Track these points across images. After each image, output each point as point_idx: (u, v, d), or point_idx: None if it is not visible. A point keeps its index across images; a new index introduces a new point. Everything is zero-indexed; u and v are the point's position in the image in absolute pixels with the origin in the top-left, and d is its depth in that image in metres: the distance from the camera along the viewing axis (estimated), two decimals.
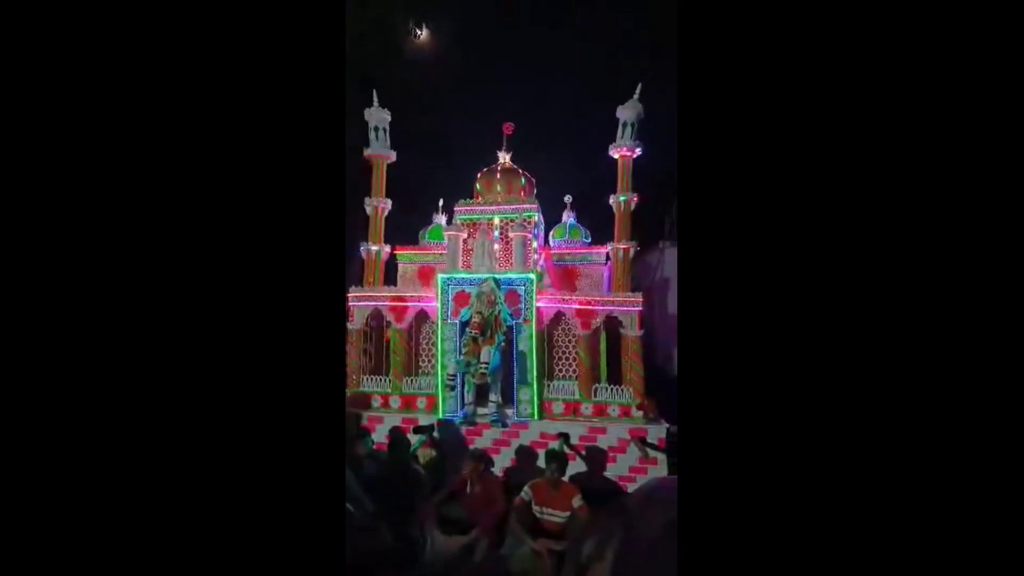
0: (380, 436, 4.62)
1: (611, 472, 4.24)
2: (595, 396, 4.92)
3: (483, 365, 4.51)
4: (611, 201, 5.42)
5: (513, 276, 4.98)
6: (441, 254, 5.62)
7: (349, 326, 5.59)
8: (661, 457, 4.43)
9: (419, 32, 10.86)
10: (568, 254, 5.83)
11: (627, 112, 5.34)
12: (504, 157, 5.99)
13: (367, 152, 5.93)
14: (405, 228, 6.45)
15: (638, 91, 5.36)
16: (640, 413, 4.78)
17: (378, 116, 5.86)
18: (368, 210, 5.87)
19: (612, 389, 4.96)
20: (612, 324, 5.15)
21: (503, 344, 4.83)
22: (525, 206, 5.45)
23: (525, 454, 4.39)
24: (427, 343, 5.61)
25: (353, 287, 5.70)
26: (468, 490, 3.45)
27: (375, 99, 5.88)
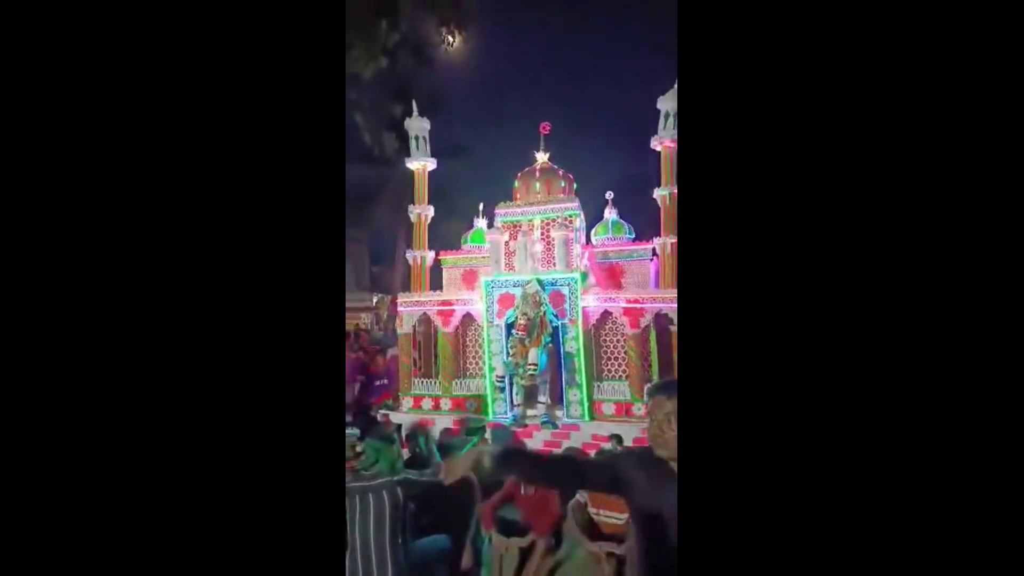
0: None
1: None
2: (647, 396, 4.79)
3: (531, 367, 4.51)
4: (655, 195, 5.27)
5: (557, 276, 4.94)
6: (484, 257, 5.68)
7: (398, 331, 5.75)
8: None
9: (452, 40, 11.06)
10: (612, 251, 5.73)
11: (668, 103, 5.18)
12: (542, 157, 5.97)
13: (408, 161, 6.08)
14: (448, 233, 6.57)
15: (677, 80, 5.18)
16: None
17: (418, 125, 6.00)
18: (412, 218, 6.02)
19: None
20: (662, 321, 5.01)
21: (550, 345, 4.80)
22: (565, 205, 5.40)
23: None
24: (474, 345, 5.67)
25: (401, 293, 5.87)
26: (523, 491, 3.45)
27: (415, 109, 6.02)
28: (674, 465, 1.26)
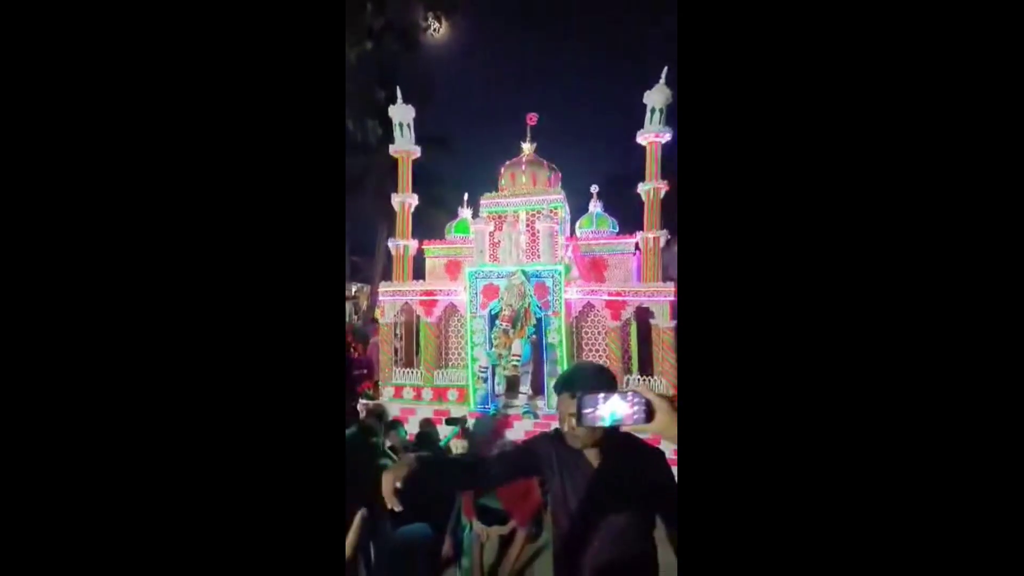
0: (413, 427, 4.69)
1: None
2: (627, 388, 4.86)
3: (515, 357, 4.52)
4: (639, 189, 5.32)
5: (541, 268, 4.95)
6: (468, 247, 5.64)
7: (380, 321, 5.68)
8: None
9: (438, 26, 10.87)
10: (596, 244, 5.76)
11: (654, 97, 5.21)
12: (528, 148, 5.95)
13: (392, 149, 5.97)
14: (432, 224, 6.50)
15: (664, 75, 5.22)
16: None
17: (402, 112, 5.89)
18: (395, 206, 5.93)
19: (644, 381, 4.90)
20: (643, 315, 5.08)
21: (533, 336, 4.82)
22: (550, 196, 5.40)
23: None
24: (456, 336, 5.64)
25: (383, 282, 5.79)
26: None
27: (399, 96, 5.91)
28: (590, 453, 1.31)
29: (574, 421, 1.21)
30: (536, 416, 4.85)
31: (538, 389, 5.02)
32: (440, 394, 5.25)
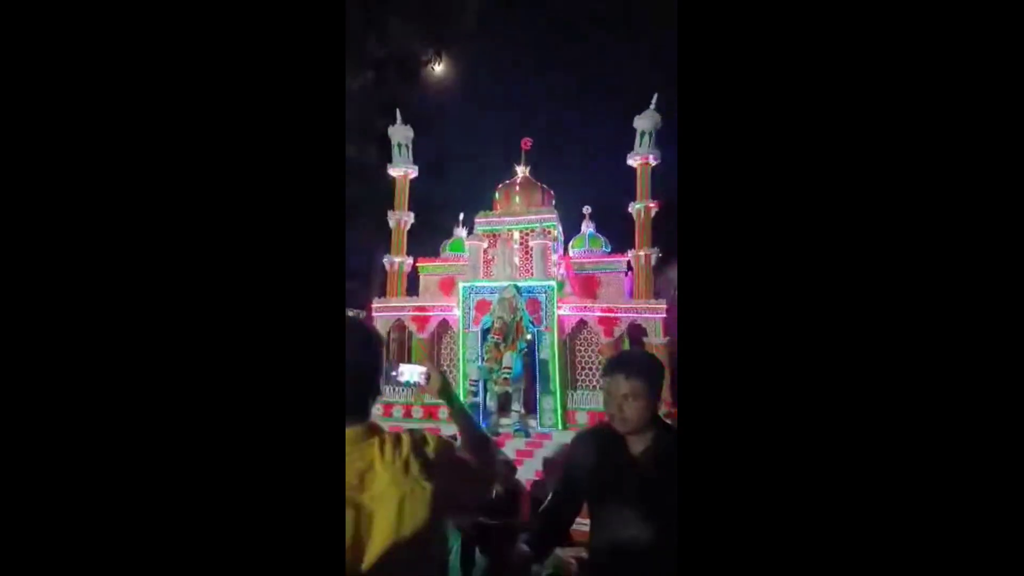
0: None
1: None
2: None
3: (506, 371, 4.47)
4: (630, 209, 5.44)
5: (534, 283, 4.98)
6: (462, 265, 5.68)
7: None
8: None
9: (437, 60, 11.32)
10: (588, 263, 5.83)
11: (644, 122, 5.41)
12: (522, 171, 6.10)
13: (390, 168, 6.11)
14: (427, 241, 6.56)
15: (654, 101, 5.44)
16: (670, 421, 4.63)
17: (401, 133, 6.06)
18: (391, 223, 6.01)
19: None
20: (635, 332, 5.08)
21: (524, 352, 4.79)
22: (544, 216, 5.50)
23: (550, 465, 4.28)
24: (448, 352, 5.60)
25: (376, 298, 5.79)
26: (494, 497, 3.36)
27: (398, 117, 6.09)
28: (632, 439, 1.32)
29: (626, 402, 1.31)
30: (528, 435, 4.76)
31: (530, 407, 4.95)
32: (430, 412, 5.16)
